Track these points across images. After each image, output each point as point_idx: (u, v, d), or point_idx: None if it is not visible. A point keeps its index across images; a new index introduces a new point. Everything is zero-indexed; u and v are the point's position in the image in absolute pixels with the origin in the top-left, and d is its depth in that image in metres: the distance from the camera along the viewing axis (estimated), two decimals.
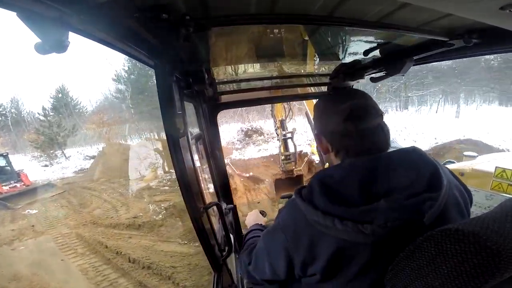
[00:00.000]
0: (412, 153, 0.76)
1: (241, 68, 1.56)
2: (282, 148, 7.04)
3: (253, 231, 1.32)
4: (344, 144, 0.81)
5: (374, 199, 0.67)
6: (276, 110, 6.50)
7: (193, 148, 1.42)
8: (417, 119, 23.82)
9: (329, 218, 0.67)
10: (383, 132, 0.80)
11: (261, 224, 1.44)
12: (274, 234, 0.86)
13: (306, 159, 11.90)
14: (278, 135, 7.02)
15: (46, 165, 26.15)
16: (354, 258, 0.69)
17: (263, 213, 1.71)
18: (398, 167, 0.71)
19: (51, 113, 30.60)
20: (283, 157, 7.18)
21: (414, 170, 0.71)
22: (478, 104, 28.82)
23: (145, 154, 18.90)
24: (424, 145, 16.12)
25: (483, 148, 12.37)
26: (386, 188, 0.69)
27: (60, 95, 33.46)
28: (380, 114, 0.81)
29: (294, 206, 0.80)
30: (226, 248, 1.49)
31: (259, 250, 0.96)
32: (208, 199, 1.51)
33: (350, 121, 0.77)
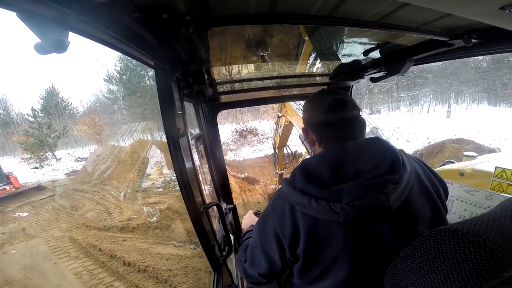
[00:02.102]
0: (376, 141, 0.85)
1: (241, 68, 1.55)
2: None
3: (248, 232, 1.33)
4: (326, 133, 0.91)
5: (343, 181, 0.76)
6: (278, 165, 6.78)
7: (193, 148, 1.41)
8: (409, 119, 24.03)
9: (306, 198, 0.76)
10: (359, 124, 0.91)
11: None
12: (264, 221, 0.92)
13: (300, 159, 11.97)
14: (276, 177, 7.31)
15: (36, 167, 25.63)
16: (331, 238, 0.76)
17: (258, 213, 1.71)
18: (364, 154, 0.80)
19: (40, 114, 29.89)
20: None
21: (377, 156, 0.79)
22: (468, 104, 29.34)
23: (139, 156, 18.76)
24: (417, 145, 16.31)
25: (474, 147, 12.60)
26: (353, 171, 0.77)
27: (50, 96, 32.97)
28: (357, 109, 0.92)
29: (280, 192, 0.90)
30: (226, 248, 1.49)
31: (252, 244, 1.00)
32: (208, 199, 1.50)
33: (330, 111, 0.88)
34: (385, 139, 0.88)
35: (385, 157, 0.79)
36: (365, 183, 0.73)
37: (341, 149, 0.82)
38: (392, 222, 0.75)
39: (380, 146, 0.83)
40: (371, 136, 0.88)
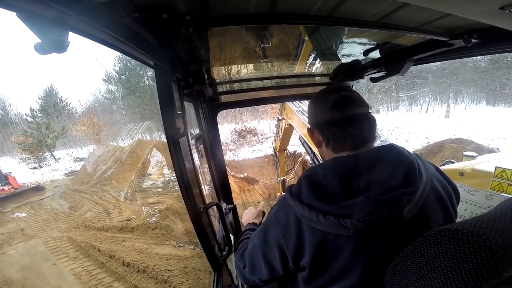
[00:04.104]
0: (390, 149, 0.80)
1: (241, 68, 1.56)
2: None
3: (245, 231, 1.31)
4: (332, 132, 0.85)
5: (354, 194, 0.71)
6: (280, 170, 6.75)
7: (193, 148, 1.41)
8: (408, 119, 24.06)
9: (314, 213, 0.72)
10: (368, 122, 0.85)
11: (254, 223, 1.43)
12: (266, 229, 0.89)
13: (300, 159, 11.95)
14: (279, 183, 7.31)
15: (35, 168, 25.54)
16: (339, 251, 0.73)
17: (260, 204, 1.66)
18: (377, 163, 0.75)
19: (39, 114, 29.92)
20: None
21: (391, 165, 0.74)
22: (466, 104, 29.41)
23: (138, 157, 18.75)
24: (416, 145, 16.36)
25: (473, 147, 12.64)
26: (365, 183, 0.72)
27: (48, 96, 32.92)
28: (365, 105, 0.86)
29: (284, 202, 0.85)
30: (226, 248, 1.49)
31: (252, 251, 0.97)
32: (208, 199, 1.50)
33: (336, 109, 0.83)
34: (400, 145, 0.83)
35: (400, 167, 0.74)
36: (378, 199, 0.69)
37: (351, 159, 0.78)
38: (404, 232, 0.72)
39: (394, 154, 0.78)
40: (385, 144, 0.83)
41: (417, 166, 0.76)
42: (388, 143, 0.85)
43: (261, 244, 0.90)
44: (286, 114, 4.86)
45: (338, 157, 0.81)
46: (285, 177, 6.61)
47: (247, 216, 1.53)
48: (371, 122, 0.85)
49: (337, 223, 0.69)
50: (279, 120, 5.57)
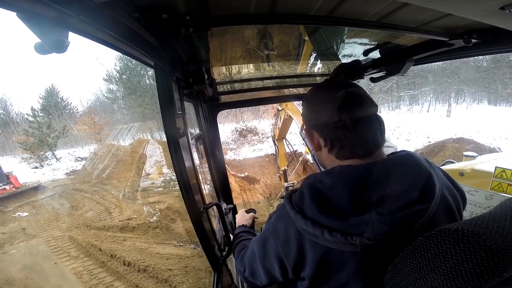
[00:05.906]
0: (407, 159, 0.73)
1: (241, 68, 1.56)
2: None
3: (238, 234, 1.30)
4: (339, 137, 0.74)
5: (365, 208, 0.65)
6: (280, 160, 6.64)
7: (193, 148, 1.41)
8: (409, 118, 24.00)
9: (318, 229, 0.66)
10: (379, 123, 0.75)
11: (244, 225, 1.42)
12: (265, 240, 0.85)
13: (301, 158, 11.96)
14: (280, 179, 7.25)
15: (36, 167, 25.57)
16: (343, 266, 0.69)
17: (252, 210, 1.68)
18: (392, 174, 0.68)
19: (40, 114, 29.96)
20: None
21: (408, 177, 0.69)
22: (468, 103, 29.34)
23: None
24: (418, 144, 16.37)
25: (474, 147, 12.62)
26: (378, 196, 0.66)
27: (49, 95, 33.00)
28: (374, 104, 0.76)
29: (284, 212, 0.77)
30: (226, 248, 1.49)
31: (252, 257, 0.95)
32: (208, 199, 1.51)
33: (344, 110, 0.72)
34: (417, 154, 0.75)
35: (418, 180, 0.68)
36: (393, 217, 0.63)
37: (365, 168, 0.69)
38: (409, 243, 0.66)
39: (412, 166, 0.71)
40: (403, 153, 0.76)
41: (434, 178, 0.70)
42: (406, 152, 0.77)
43: (260, 254, 0.87)
44: (286, 105, 4.87)
45: (348, 165, 0.72)
46: (286, 168, 6.51)
47: (238, 219, 1.54)
48: (382, 124, 0.76)
49: (344, 241, 0.64)
50: (278, 110, 5.59)
